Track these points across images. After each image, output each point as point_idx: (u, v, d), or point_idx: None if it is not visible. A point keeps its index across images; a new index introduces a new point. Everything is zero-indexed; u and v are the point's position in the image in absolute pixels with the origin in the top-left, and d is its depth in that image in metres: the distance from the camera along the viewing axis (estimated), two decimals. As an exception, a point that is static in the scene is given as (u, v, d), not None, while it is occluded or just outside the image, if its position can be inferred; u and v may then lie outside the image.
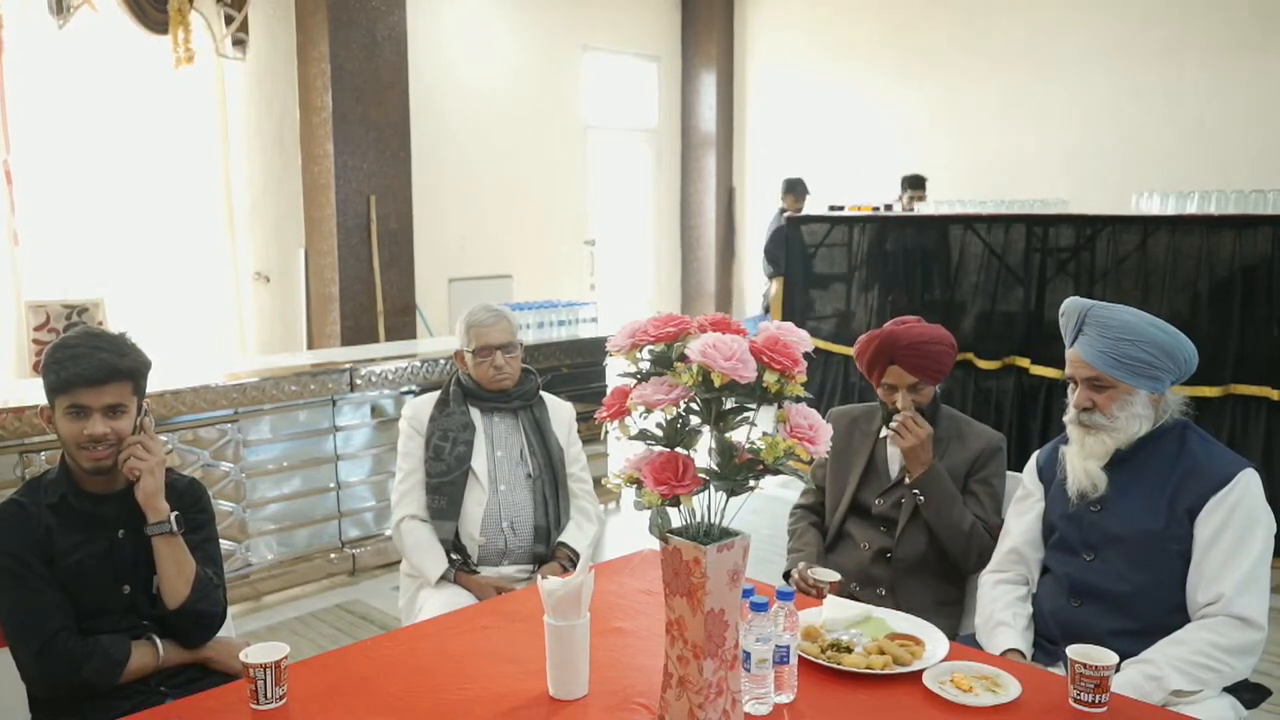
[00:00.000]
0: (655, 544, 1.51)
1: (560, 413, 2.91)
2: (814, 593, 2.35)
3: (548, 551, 2.74)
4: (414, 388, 4.50)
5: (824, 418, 1.49)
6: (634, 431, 1.48)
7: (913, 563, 2.49)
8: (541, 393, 2.90)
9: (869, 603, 2.27)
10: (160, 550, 1.98)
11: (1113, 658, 1.66)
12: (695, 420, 1.47)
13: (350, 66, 6.17)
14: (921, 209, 5.90)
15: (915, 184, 7.55)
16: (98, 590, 1.97)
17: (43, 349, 4.90)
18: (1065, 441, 2.16)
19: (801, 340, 1.46)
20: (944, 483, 2.45)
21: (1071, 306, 2.11)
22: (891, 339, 2.50)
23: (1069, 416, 2.11)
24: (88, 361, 1.90)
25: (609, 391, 1.52)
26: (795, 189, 7.82)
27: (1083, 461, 2.06)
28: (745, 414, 1.47)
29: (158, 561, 1.99)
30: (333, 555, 4.38)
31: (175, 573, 1.98)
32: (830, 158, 8.54)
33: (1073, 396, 2.10)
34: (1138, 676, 1.88)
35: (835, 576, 2.41)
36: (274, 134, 6.36)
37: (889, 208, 6.27)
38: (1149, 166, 6.77)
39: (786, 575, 2.55)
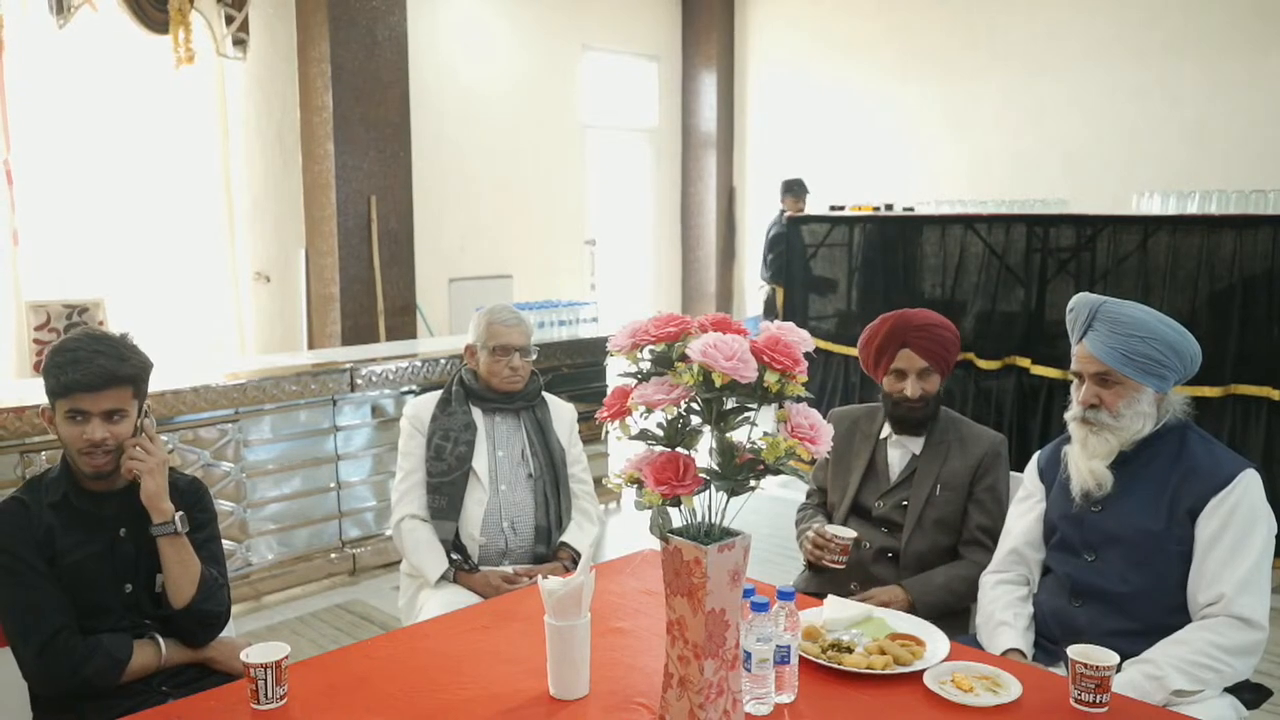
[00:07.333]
0: (656, 544, 1.51)
1: (562, 413, 2.91)
2: (831, 548, 2.37)
3: (548, 551, 2.75)
4: (414, 388, 4.50)
5: (824, 418, 1.49)
6: (634, 431, 1.48)
7: (920, 565, 2.49)
8: (543, 393, 2.90)
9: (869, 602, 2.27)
10: (165, 551, 1.98)
11: (1113, 658, 1.66)
12: (696, 420, 1.47)
13: (350, 66, 6.17)
14: (921, 209, 5.88)
15: (795, 189, 7.42)
16: (99, 589, 1.97)
17: (43, 349, 4.90)
18: (1067, 441, 2.16)
19: (802, 340, 1.46)
20: (929, 592, 2.41)
21: (1081, 302, 2.11)
22: (905, 320, 2.52)
23: (1072, 414, 2.10)
24: (88, 366, 1.89)
25: (609, 391, 1.52)
26: (794, 189, 7.62)
27: (1087, 461, 2.06)
28: (746, 414, 1.47)
29: (163, 562, 1.99)
30: (333, 555, 4.38)
31: (181, 573, 1.98)
32: (830, 157, 8.54)
33: (1077, 394, 2.09)
34: (1138, 676, 1.88)
35: (852, 534, 2.41)
36: (274, 134, 6.36)
37: (889, 208, 6.26)
38: (1149, 166, 6.77)
39: (809, 564, 2.53)
